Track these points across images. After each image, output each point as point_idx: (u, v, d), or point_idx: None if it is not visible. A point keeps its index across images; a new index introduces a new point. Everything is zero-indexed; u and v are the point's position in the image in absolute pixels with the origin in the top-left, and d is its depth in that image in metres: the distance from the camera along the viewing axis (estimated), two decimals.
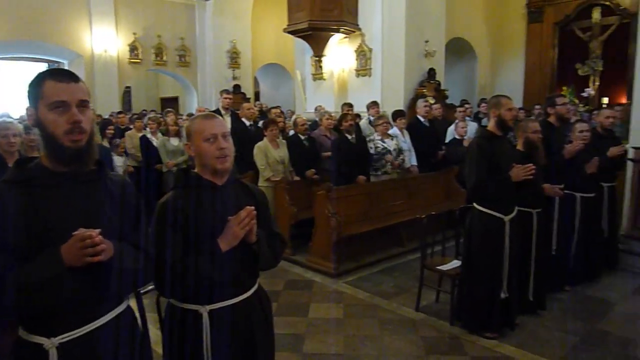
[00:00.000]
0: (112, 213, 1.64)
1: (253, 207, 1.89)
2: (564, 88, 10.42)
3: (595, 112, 6.81)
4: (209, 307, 1.92)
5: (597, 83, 10.85)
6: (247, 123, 6.88)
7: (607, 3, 10.61)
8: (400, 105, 8.53)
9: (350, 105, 8.04)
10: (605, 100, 10.45)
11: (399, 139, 6.55)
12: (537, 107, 8.77)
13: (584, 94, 10.55)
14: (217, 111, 6.81)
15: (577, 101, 9.90)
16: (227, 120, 6.98)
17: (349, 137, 6.16)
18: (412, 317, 4.29)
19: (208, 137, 1.94)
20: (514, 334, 3.90)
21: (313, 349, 3.73)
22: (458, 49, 11.48)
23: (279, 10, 11.47)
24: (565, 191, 4.56)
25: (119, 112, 10.38)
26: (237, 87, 12.72)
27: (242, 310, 1.99)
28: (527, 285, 4.13)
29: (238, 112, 7.16)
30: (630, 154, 5.59)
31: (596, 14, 10.88)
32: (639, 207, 5.50)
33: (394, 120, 6.93)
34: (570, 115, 5.16)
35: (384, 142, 6.30)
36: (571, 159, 4.58)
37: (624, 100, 9.60)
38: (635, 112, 6.06)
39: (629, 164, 5.63)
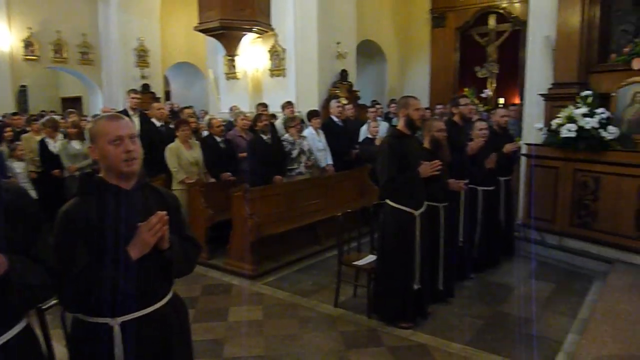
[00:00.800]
0: (5, 224, 1.51)
1: (165, 212, 1.82)
2: (466, 89, 11.14)
3: (492, 111, 7.36)
4: (120, 320, 1.82)
5: (494, 85, 11.71)
6: (158, 124, 6.61)
7: (501, 11, 11.48)
8: (315, 106, 8.65)
9: (265, 106, 8.02)
10: (502, 100, 11.32)
11: (312, 139, 6.64)
12: (439, 107, 9.28)
13: (483, 95, 11.36)
14: (125, 112, 6.48)
15: (477, 101, 10.62)
16: (136, 121, 6.65)
17: (265, 137, 6.13)
18: (331, 313, 4.37)
19: (113, 139, 1.84)
20: (427, 322, 4.11)
21: (233, 353, 3.68)
22: (368, 51, 11.85)
23: (189, 8, 11.15)
24: (470, 185, 4.90)
25: (14, 114, 9.51)
26: (145, 87, 12.19)
27: (157, 320, 1.91)
28: (437, 276, 4.37)
29: (147, 112, 6.86)
30: (524, 149, 6.12)
31: (492, 21, 11.74)
32: (533, 198, 6.02)
33: (309, 120, 7.02)
34: (472, 115, 5.53)
35: (297, 142, 6.36)
36: (473, 155, 4.91)
37: (517, 101, 10.45)
38: (527, 111, 6.63)
39: (523, 159, 6.16)
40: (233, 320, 4.25)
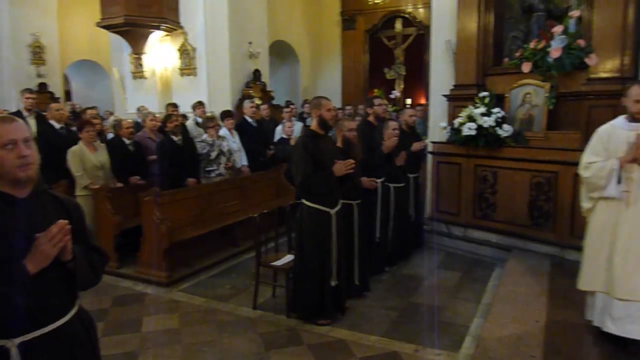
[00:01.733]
0: None
1: (66, 221, 1.70)
2: (376, 90, 11.56)
3: (400, 111, 7.69)
4: (18, 340, 1.67)
5: (402, 86, 12.26)
6: (57, 126, 6.13)
7: (407, 16, 12.04)
8: (228, 106, 8.52)
9: (175, 106, 7.76)
10: (409, 101, 11.88)
11: (228, 140, 6.54)
12: (348, 107, 9.55)
13: (392, 96, 11.85)
14: (19, 113, 5.96)
15: (386, 102, 11.05)
16: (32, 124, 6.16)
17: (175, 138, 5.93)
18: (250, 315, 4.33)
19: (6, 143, 1.68)
20: (345, 317, 4.21)
21: None
22: (281, 52, 11.89)
23: (90, 2, 10.47)
24: (384, 183, 5.09)
25: None
26: (42, 86, 11.27)
27: (61, 337, 1.77)
28: (353, 271, 4.48)
29: (45, 113, 6.36)
30: (430, 147, 6.47)
31: (398, 25, 12.27)
32: (438, 193, 6.39)
33: (222, 120, 6.90)
34: (385, 115, 5.75)
35: (216, 143, 6.23)
36: (387, 153, 5.11)
37: (423, 101, 11.03)
38: (432, 111, 7.02)
39: (429, 157, 6.51)
40: (147, 331, 4.07)
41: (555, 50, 5.32)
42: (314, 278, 3.99)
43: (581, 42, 5.29)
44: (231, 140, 6.67)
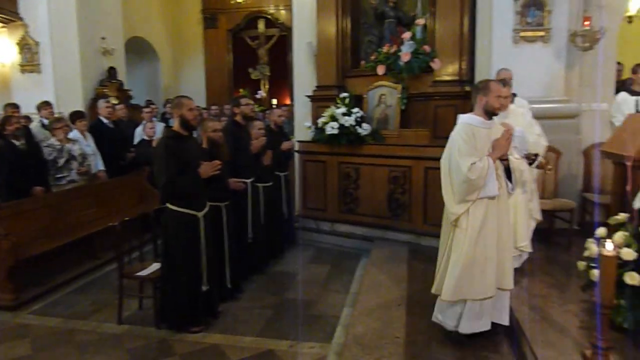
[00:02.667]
0: None
1: None
2: (241, 90, 11.49)
3: (268, 111, 7.76)
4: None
5: (267, 86, 12.35)
6: None
7: (269, 17, 12.15)
8: (79, 106, 7.79)
9: (15, 106, 6.86)
10: (275, 101, 12.02)
11: (81, 143, 5.99)
12: (214, 107, 9.38)
13: (258, 96, 11.89)
14: None
15: (252, 102, 11.06)
16: None
17: (17, 143, 5.27)
18: (115, 332, 4.03)
19: None
20: (218, 322, 4.13)
21: None
22: (139, 49, 11.21)
23: None
24: (253, 183, 5.08)
25: None
26: None
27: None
28: (225, 274, 4.42)
29: None
30: (297, 146, 6.63)
31: (261, 25, 12.33)
32: (306, 190, 6.58)
33: (73, 122, 6.30)
34: (253, 114, 5.74)
35: (65, 147, 5.65)
36: (255, 153, 5.10)
37: (288, 101, 11.24)
38: (297, 111, 7.20)
39: (296, 155, 6.67)
40: None
41: (405, 54, 5.80)
42: (183, 285, 3.85)
43: (427, 48, 5.84)
44: (84, 144, 6.13)
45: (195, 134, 4.18)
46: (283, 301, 4.63)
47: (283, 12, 11.90)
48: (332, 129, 6.01)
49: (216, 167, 3.85)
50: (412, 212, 5.73)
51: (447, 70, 5.74)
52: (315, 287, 4.98)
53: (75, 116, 6.39)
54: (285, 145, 5.76)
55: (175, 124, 3.92)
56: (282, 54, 11.97)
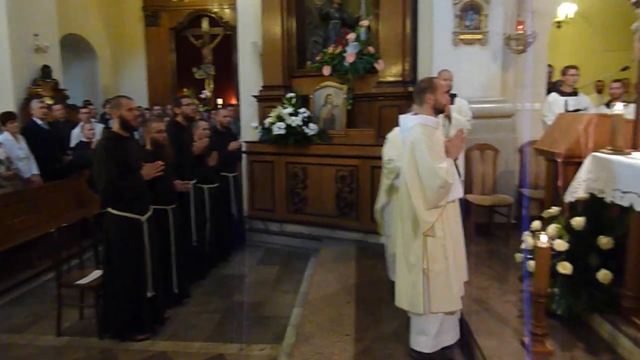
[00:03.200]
0: None
1: None
2: (185, 90, 11.24)
3: (213, 111, 7.64)
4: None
5: (212, 86, 12.14)
6: None
7: (213, 15, 11.95)
8: (10, 107, 7.33)
9: None
10: (220, 101, 11.85)
11: (10, 146, 5.66)
12: (157, 107, 9.14)
13: (202, 95, 11.68)
14: None
15: (197, 102, 10.86)
16: None
17: None
18: (54, 344, 3.84)
19: None
20: (165, 328, 4.02)
21: None
22: (76, 46, 10.70)
23: None
24: (197, 185, 4.99)
25: None
26: None
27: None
28: (171, 279, 4.31)
29: None
30: (244, 147, 6.56)
31: (205, 24, 12.10)
32: (254, 191, 6.53)
33: (4, 124, 5.93)
34: (195, 115, 5.63)
35: None
36: (198, 154, 5.01)
37: (234, 101, 11.11)
38: (243, 111, 7.13)
39: (244, 156, 6.60)
40: None
41: (350, 55, 5.88)
42: (127, 292, 3.72)
43: (371, 49, 5.94)
44: (16, 147, 5.80)
45: (137, 135, 4.06)
46: (232, 304, 4.58)
47: (227, 11, 11.75)
48: (279, 129, 6.00)
49: (159, 169, 3.75)
50: (360, 210, 5.82)
51: (390, 71, 5.87)
52: (265, 288, 4.95)
53: (5, 117, 6.02)
54: (232, 145, 5.69)
55: (114, 124, 3.78)
56: (227, 54, 11.81)
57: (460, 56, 5.55)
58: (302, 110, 6.07)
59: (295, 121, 5.95)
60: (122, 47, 11.93)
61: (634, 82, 6.10)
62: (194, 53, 12.16)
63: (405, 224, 3.07)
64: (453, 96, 5.18)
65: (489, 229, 5.39)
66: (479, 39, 5.56)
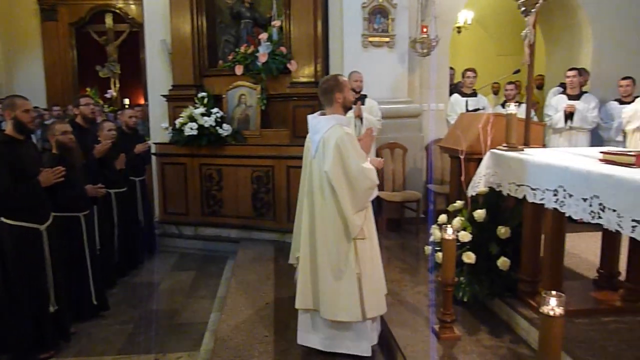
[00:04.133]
0: None
1: None
2: (88, 89, 10.56)
3: (119, 112, 7.26)
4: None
5: (117, 85, 11.52)
6: None
7: (118, 11, 11.33)
8: None
9: None
10: (127, 101, 11.27)
11: None
12: (56, 108, 8.53)
13: (107, 95, 11.04)
14: None
15: (101, 102, 10.25)
16: None
17: None
18: None
19: None
20: (71, 344, 3.76)
21: None
22: None
23: None
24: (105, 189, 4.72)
25: None
26: None
27: None
28: (89, 290, 4.05)
29: None
30: (153, 149, 6.30)
31: (109, 20, 11.44)
32: (166, 195, 6.29)
33: None
34: (95, 115, 5.31)
35: None
36: (103, 157, 4.73)
37: (142, 101, 10.62)
38: (152, 111, 6.84)
39: (154, 158, 6.34)
40: None
41: (263, 55, 5.86)
42: (26, 307, 3.42)
43: (283, 49, 5.96)
44: None
45: (34, 139, 3.74)
46: (145, 313, 4.38)
47: (133, 7, 11.20)
48: (191, 129, 5.83)
49: (59, 175, 3.48)
50: (277, 210, 5.82)
51: (303, 72, 5.93)
52: (180, 295, 4.80)
53: None
54: (138, 147, 5.41)
55: (8, 127, 3.46)
56: (134, 51, 11.27)
57: (369, 58, 5.74)
58: (214, 110, 5.94)
59: (208, 121, 5.82)
60: (16, 43, 10.94)
61: (524, 84, 6.69)
62: (98, 50, 11.46)
63: (329, 230, 2.94)
64: (364, 97, 5.35)
65: (400, 223, 5.63)
66: (387, 42, 5.78)
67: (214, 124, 5.83)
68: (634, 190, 2.12)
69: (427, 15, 5.85)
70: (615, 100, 5.82)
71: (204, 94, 6.13)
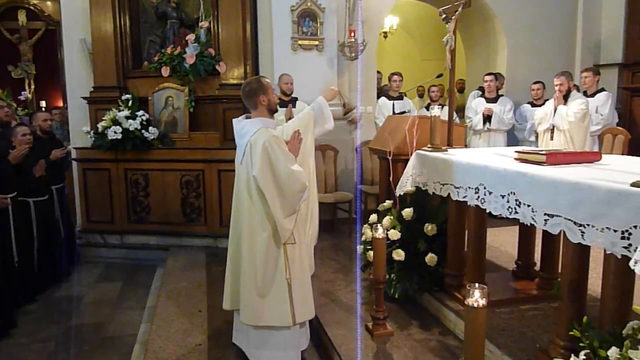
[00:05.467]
0: None
1: None
2: (0, 91, 9.79)
3: (33, 115, 6.79)
4: None
5: (33, 86, 10.77)
6: None
7: (32, 8, 10.60)
8: None
9: None
10: (44, 103, 10.56)
11: None
12: None
13: (21, 97, 10.28)
14: None
15: (15, 105, 9.54)
16: None
17: None
18: None
19: None
20: None
21: None
22: None
23: None
24: (20, 198, 4.40)
25: None
26: None
27: None
28: None
29: None
30: (74, 154, 5.96)
31: (22, 17, 10.67)
32: (88, 203, 5.96)
33: None
34: (10, 119, 4.95)
35: None
36: (19, 164, 4.40)
37: (61, 104, 10.01)
38: (72, 114, 6.47)
39: (75, 164, 5.99)
40: None
41: (190, 56, 5.72)
42: None
43: (212, 51, 5.86)
44: None
45: None
46: (68, 329, 4.13)
47: (49, 3, 10.53)
48: (114, 133, 5.57)
49: None
50: (208, 215, 5.69)
51: (232, 74, 5.85)
52: (107, 307, 4.57)
53: None
54: (55, 153, 5.02)
55: None
56: (51, 51, 10.59)
57: (299, 61, 5.78)
58: (140, 113, 5.72)
59: (133, 125, 5.58)
60: None
61: (447, 88, 7.02)
62: (10, 49, 10.66)
63: (257, 236, 2.89)
64: (294, 100, 5.37)
65: (333, 224, 5.71)
66: (316, 45, 5.85)
67: (139, 127, 5.60)
68: (546, 187, 2.28)
69: (355, 20, 5.98)
70: (528, 103, 6.25)
71: (128, 96, 5.88)
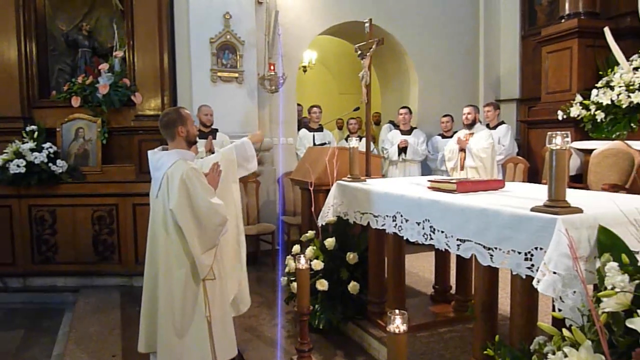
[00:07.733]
0: None
1: None
2: None
3: None
4: None
5: None
6: None
7: None
8: None
9: None
10: None
11: None
12: None
13: None
14: None
15: None
16: None
17: None
18: None
19: None
20: None
21: None
22: None
23: None
24: None
25: None
26: None
27: None
28: None
29: None
30: None
31: None
32: None
33: None
34: None
35: None
36: None
37: None
38: None
39: None
40: None
41: (103, 86, 5.50)
42: None
43: (127, 81, 5.67)
44: None
45: None
46: None
47: None
48: (17, 167, 5.16)
49: None
50: (122, 252, 5.38)
51: (149, 105, 5.69)
52: (6, 359, 4.12)
53: None
54: None
55: None
56: None
57: (219, 93, 5.76)
58: (47, 145, 5.35)
59: (39, 157, 5.21)
60: None
61: (364, 121, 7.30)
62: None
63: (174, 272, 2.73)
64: (215, 131, 5.32)
65: (257, 257, 5.63)
66: (235, 77, 5.87)
67: (45, 160, 5.24)
68: (457, 213, 2.42)
69: (274, 53, 6.10)
70: (439, 134, 6.66)
71: (33, 127, 5.50)
